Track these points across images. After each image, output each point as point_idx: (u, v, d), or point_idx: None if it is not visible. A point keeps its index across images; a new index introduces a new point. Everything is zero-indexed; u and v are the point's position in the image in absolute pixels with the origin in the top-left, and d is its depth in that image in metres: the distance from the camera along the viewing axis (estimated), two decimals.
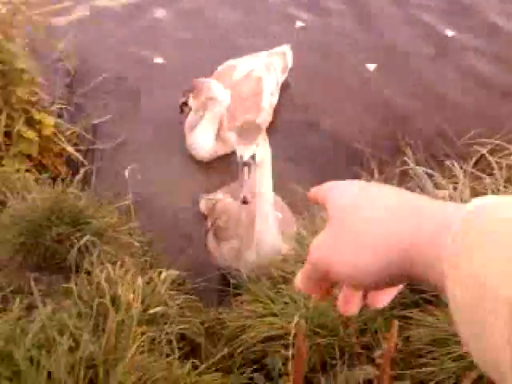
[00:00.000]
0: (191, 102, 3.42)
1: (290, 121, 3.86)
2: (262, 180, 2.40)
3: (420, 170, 2.69)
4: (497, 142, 3.00)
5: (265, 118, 3.66)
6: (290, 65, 3.97)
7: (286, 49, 3.97)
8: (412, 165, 2.80)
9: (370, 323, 1.99)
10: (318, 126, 3.80)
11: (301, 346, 1.29)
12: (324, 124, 3.81)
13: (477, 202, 0.55)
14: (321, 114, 3.86)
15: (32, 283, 1.69)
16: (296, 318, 1.31)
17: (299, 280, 0.68)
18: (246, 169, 2.24)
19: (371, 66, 4.19)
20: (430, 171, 2.77)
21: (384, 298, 0.67)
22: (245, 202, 2.22)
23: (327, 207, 0.67)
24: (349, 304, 0.67)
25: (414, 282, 0.60)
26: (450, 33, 4.42)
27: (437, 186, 2.69)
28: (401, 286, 0.66)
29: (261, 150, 2.31)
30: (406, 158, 3.23)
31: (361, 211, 0.62)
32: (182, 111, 3.53)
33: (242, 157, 2.26)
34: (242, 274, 2.44)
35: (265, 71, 3.77)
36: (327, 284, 0.67)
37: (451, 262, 0.52)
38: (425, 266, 0.55)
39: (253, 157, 2.26)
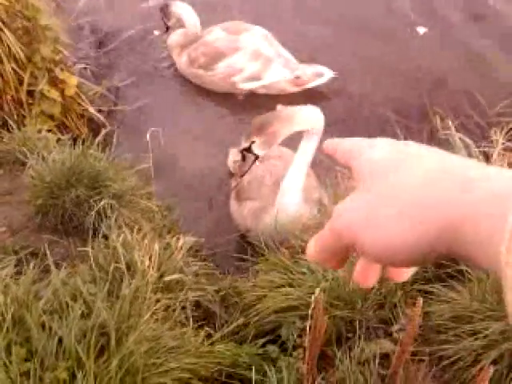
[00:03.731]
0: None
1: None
2: (306, 149, 2.40)
3: (456, 136, 2.54)
4: None
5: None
6: None
7: None
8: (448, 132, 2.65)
9: (389, 297, 1.95)
10: (345, 90, 3.67)
11: (319, 319, 1.25)
12: (351, 88, 3.68)
13: None
14: (348, 78, 3.72)
15: (46, 247, 1.68)
16: (316, 291, 1.27)
17: (313, 248, 0.59)
18: (249, 158, 2.37)
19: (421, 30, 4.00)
20: (466, 139, 2.63)
21: (406, 272, 0.59)
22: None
23: (353, 168, 0.57)
24: (367, 276, 0.59)
25: (448, 258, 0.52)
26: None
27: (470, 155, 2.57)
28: None
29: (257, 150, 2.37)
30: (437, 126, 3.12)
31: (396, 176, 0.52)
32: (167, 30, 3.82)
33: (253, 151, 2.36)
34: (260, 237, 2.41)
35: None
36: (345, 254, 0.58)
37: None
38: (474, 244, 0.47)
39: (247, 149, 2.37)
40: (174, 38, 3.75)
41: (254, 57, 3.50)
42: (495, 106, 3.37)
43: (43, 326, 1.32)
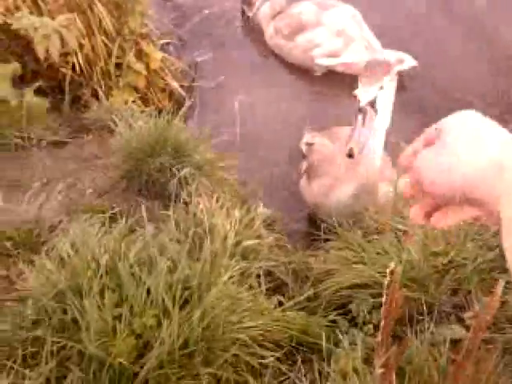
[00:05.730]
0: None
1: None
2: (382, 118, 2.13)
3: None
4: None
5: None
6: None
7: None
8: None
9: (464, 283, 1.92)
10: (428, 76, 3.58)
11: (395, 293, 1.26)
12: (434, 75, 3.58)
13: None
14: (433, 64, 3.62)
15: (141, 207, 1.79)
16: (392, 264, 1.28)
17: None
18: (360, 116, 1.97)
19: None
20: None
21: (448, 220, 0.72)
22: (350, 155, 2.00)
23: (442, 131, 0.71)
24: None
25: None
26: None
27: None
28: (470, 214, 0.70)
29: (385, 95, 2.04)
30: None
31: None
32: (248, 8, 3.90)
33: (359, 101, 2.00)
34: (332, 215, 2.38)
35: None
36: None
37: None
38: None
39: (372, 103, 2.00)
40: (264, 9, 3.83)
41: (336, 34, 3.48)
42: None
43: (133, 275, 1.41)
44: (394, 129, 3.10)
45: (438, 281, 1.92)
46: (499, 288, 1.41)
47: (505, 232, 0.61)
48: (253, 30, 4.01)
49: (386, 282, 1.48)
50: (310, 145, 3.04)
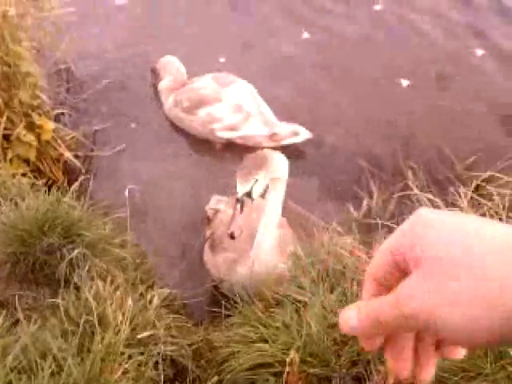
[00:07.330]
0: None
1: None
2: (273, 200, 2.42)
3: (422, 196, 2.66)
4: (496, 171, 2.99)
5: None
6: None
7: None
8: (415, 190, 2.76)
9: (362, 354, 1.95)
10: (320, 141, 3.76)
11: None
12: (327, 139, 3.77)
13: None
14: (324, 129, 3.82)
15: (16, 300, 1.64)
16: (291, 353, 1.26)
17: (356, 320, 0.58)
18: (238, 205, 2.28)
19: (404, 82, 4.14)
20: (431, 197, 2.74)
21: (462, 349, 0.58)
22: (232, 237, 2.28)
23: (409, 259, 0.56)
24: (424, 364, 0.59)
25: None
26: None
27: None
28: None
29: (259, 187, 2.32)
30: (408, 182, 3.21)
31: (465, 249, 0.51)
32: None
33: (237, 192, 2.30)
34: (234, 289, 2.41)
35: None
36: (395, 334, 0.59)
37: None
38: None
39: (248, 193, 2.30)
40: (165, 83, 3.93)
41: (235, 109, 3.60)
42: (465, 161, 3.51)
43: None
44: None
45: (338, 353, 1.93)
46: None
47: None
48: (155, 99, 4.03)
49: (287, 363, 1.47)
50: (215, 210, 3.04)
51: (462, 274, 0.50)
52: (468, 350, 0.59)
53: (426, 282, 0.52)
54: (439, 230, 0.54)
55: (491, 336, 0.50)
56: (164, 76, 3.93)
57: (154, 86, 4.03)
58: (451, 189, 3.03)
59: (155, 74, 4.01)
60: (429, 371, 0.60)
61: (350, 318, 0.59)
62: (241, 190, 2.29)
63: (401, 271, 0.58)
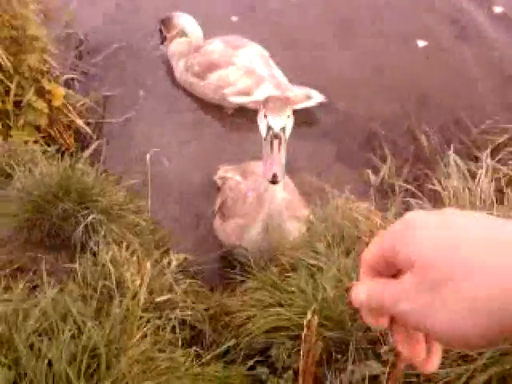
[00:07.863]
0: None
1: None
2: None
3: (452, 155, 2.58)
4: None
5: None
6: None
7: None
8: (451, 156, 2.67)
9: None
10: (333, 105, 3.70)
11: (313, 346, 1.24)
12: (338, 104, 3.71)
13: None
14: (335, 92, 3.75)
15: (33, 263, 1.65)
16: (309, 314, 1.26)
17: (364, 297, 0.60)
18: (276, 142, 2.03)
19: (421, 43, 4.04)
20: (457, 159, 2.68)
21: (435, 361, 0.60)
22: (274, 181, 2.05)
23: (399, 259, 0.56)
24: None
25: None
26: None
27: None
28: None
29: (290, 123, 2.11)
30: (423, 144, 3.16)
31: (453, 251, 0.51)
32: (162, 42, 3.87)
33: (271, 128, 2.05)
34: (246, 253, 2.38)
35: None
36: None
37: None
38: None
39: (283, 129, 2.06)
40: (177, 46, 3.81)
41: (247, 73, 3.52)
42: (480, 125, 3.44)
43: (32, 347, 1.29)
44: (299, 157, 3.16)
45: (354, 317, 1.93)
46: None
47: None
48: (165, 64, 3.96)
49: (304, 325, 1.47)
50: (223, 179, 3.02)
51: (454, 275, 0.51)
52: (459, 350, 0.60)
53: (414, 285, 0.54)
54: (428, 232, 0.55)
55: (479, 337, 0.51)
56: (175, 36, 3.79)
57: (161, 36, 3.84)
58: (466, 153, 2.99)
59: (167, 26, 3.79)
60: (437, 359, 0.61)
61: (359, 293, 0.61)
62: (276, 123, 2.03)
63: (394, 266, 0.59)
